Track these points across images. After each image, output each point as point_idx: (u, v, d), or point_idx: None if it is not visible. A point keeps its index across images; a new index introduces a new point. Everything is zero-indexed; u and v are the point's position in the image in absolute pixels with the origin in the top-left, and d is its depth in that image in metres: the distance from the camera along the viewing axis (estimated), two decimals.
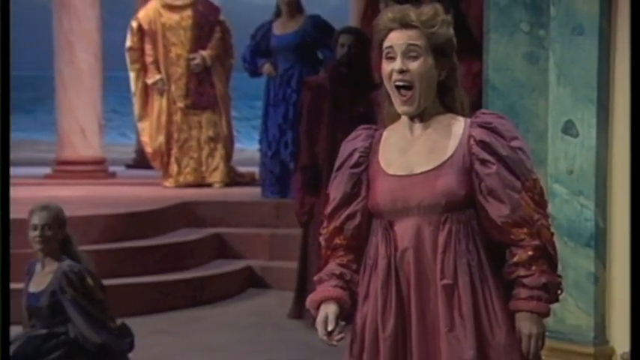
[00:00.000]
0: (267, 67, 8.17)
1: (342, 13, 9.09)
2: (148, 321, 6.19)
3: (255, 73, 8.32)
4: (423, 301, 2.85)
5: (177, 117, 8.85)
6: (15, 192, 8.38)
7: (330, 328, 2.89)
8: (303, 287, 6.49)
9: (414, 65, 2.86)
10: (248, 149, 10.04)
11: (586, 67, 4.36)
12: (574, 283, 4.46)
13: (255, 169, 8.79)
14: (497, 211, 2.84)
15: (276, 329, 6.36)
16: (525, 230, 2.85)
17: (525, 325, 2.85)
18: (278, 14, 8.18)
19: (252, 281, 7.48)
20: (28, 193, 7.89)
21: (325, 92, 6.46)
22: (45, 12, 9.72)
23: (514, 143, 2.88)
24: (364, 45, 6.55)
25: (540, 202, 2.89)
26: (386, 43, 2.89)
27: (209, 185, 8.81)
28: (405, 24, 2.88)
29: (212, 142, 8.88)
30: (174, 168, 8.85)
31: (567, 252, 4.45)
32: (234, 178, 8.97)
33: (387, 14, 2.92)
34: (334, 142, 6.42)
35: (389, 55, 2.88)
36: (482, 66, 4.77)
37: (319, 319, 2.92)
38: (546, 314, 2.89)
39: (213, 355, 5.80)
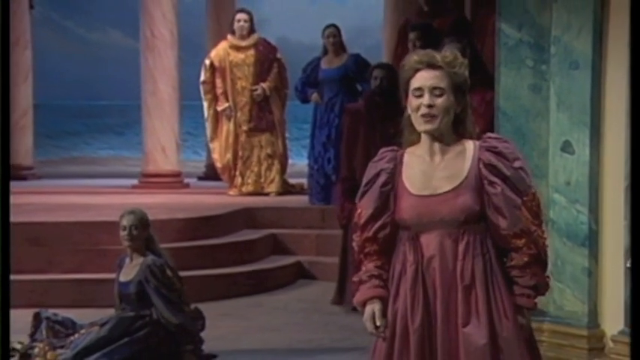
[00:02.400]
0: (315, 96, 8.21)
1: (377, 51, 9.08)
2: (216, 306, 6.19)
3: (305, 100, 8.36)
4: (447, 299, 2.86)
5: (242, 138, 8.87)
6: (107, 199, 8.52)
7: (378, 324, 2.91)
8: (343, 278, 6.49)
9: (439, 101, 2.85)
10: (298, 164, 10.03)
11: (581, 96, 4.35)
12: (571, 277, 4.44)
13: (304, 181, 8.77)
14: (500, 224, 2.85)
15: (321, 313, 6.34)
16: (523, 240, 2.86)
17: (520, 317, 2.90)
18: (325, 52, 8.21)
19: (301, 273, 7.46)
20: (119, 200, 7.97)
21: (362, 117, 6.44)
22: (134, 53, 9.81)
23: (516, 164, 2.88)
24: (394, 77, 6.51)
25: (537, 213, 2.89)
26: (414, 82, 2.89)
27: (266, 194, 8.79)
28: (431, 65, 2.88)
29: (270, 158, 8.89)
30: (238, 180, 8.87)
31: (565, 250, 4.44)
32: (286, 188, 8.95)
33: (414, 57, 2.91)
34: (369, 158, 6.35)
35: (417, 92, 2.88)
36: (494, 95, 4.77)
37: (366, 316, 2.93)
38: (533, 308, 2.92)
39: (269, 334, 5.79)
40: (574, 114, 4.37)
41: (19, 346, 5.05)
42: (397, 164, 2.95)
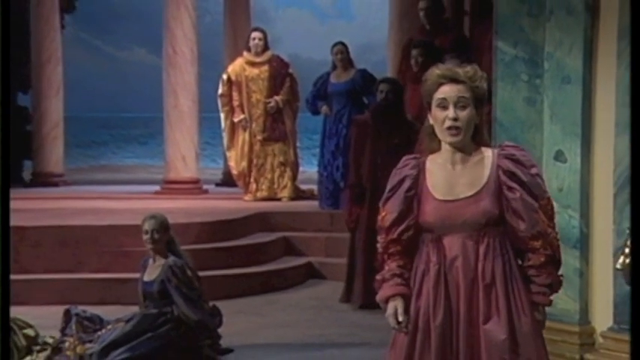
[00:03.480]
0: (324, 108, 8.20)
1: (382, 67, 9.06)
2: (233, 303, 6.18)
3: (315, 112, 8.34)
4: (469, 297, 2.83)
5: (257, 147, 8.86)
6: (131, 204, 8.51)
7: (400, 319, 2.88)
8: (351, 278, 6.48)
9: (463, 114, 2.82)
10: (308, 171, 10.01)
11: (572, 109, 4.33)
12: (564, 277, 4.42)
13: (314, 187, 8.75)
14: (519, 227, 2.84)
15: (330, 310, 6.33)
16: (540, 242, 2.85)
17: (536, 313, 2.89)
18: (334, 67, 8.22)
19: (311, 273, 7.43)
20: (142, 205, 7.97)
21: (368, 128, 6.42)
22: (157, 69, 9.81)
23: (532, 170, 2.87)
24: (398, 91, 6.54)
25: (552, 217, 2.89)
26: (438, 95, 2.85)
27: (279, 199, 8.78)
28: (454, 79, 2.84)
29: (282, 166, 8.88)
30: (253, 186, 8.86)
31: None
32: (298, 194, 8.93)
33: (436, 71, 2.87)
34: (375, 166, 6.42)
35: (442, 105, 2.84)
36: (491, 107, 4.76)
37: (389, 312, 2.90)
38: (548, 304, 2.91)
39: (282, 330, 5.78)
40: (566, 125, 4.35)
41: (50, 341, 5.05)
42: (420, 171, 2.91)
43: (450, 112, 2.83)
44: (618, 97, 4.18)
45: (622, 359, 4.03)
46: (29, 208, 8.24)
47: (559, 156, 4.39)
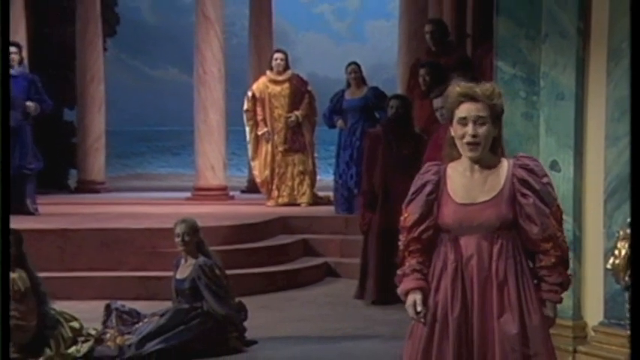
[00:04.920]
0: (339, 122, 8.20)
1: (392, 85, 9.04)
2: (257, 299, 6.17)
3: (331, 126, 8.35)
4: (483, 293, 2.81)
5: (278, 157, 8.85)
6: (165, 209, 8.52)
7: (419, 310, 2.86)
8: (364, 276, 6.45)
9: (482, 130, 2.81)
10: (325, 179, 9.99)
11: (566, 123, 4.30)
12: None
13: (330, 194, 8.75)
14: (532, 230, 2.83)
15: (344, 306, 6.31)
16: (550, 244, 2.83)
17: (544, 309, 2.87)
18: (348, 85, 8.23)
19: (328, 272, 7.41)
20: (174, 210, 7.97)
21: (380, 140, 6.41)
22: (189, 87, 9.84)
23: (544, 180, 2.86)
24: (407, 107, 6.53)
25: (561, 222, 2.88)
26: (459, 113, 2.83)
27: (298, 205, 8.76)
28: (473, 98, 2.82)
29: (301, 174, 8.86)
30: (274, 193, 8.85)
31: None
32: (316, 200, 8.90)
33: (456, 89, 2.86)
34: (386, 175, 6.40)
35: (462, 122, 2.82)
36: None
37: (409, 303, 2.88)
38: (560, 302, 2.90)
39: (300, 323, 5.77)
40: (560, 138, 4.32)
41: (93, 332, 5.06)
42: (441, 177, 2.90)
43: (470, 129, 2.81)
44: (608, 112, 4.15)
45: (612, 351, 4.00)
46: (74, 212, 8.29)
47: (554, 166, 4.36)
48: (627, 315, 3.33)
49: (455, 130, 2.85)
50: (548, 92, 4.35)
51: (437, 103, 5.45)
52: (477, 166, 2.86)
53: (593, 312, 4.24)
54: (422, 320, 2.86)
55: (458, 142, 2.85)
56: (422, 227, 2.89)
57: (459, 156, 2.89)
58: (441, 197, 2.88)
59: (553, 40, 4.32)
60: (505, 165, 2.87)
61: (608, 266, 3.55)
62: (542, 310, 2.84)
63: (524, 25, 4.41)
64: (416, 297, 2.87)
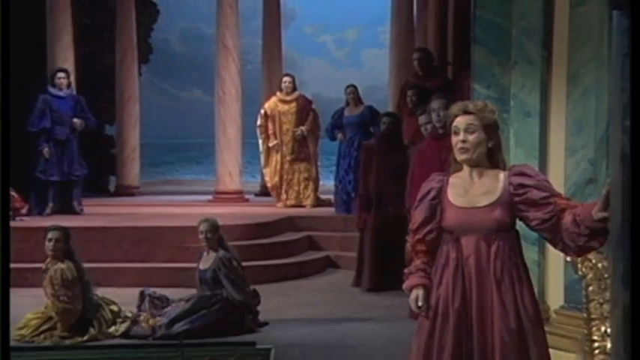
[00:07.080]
0: (340, 136, 8.20)
1: (385, 104, 9.06)
2: (268, 287, 6.16)
3: (332, 138, 8.34)
4: (482, 289, 2.72)
5: (286, 166, 8.84)
6: (190, 210, 8.52)
7: (419, 304, 2.80)
8: (360, 268, 6.45)
9: (471, 137, 2.76)
10: (327, 184, 10.00)
11: (532, 137, 4.30)
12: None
13: (331, 197, 8.74)
14: (539, 195, 2.68)
15: (344, 293, 6.30)
16: (564, 201, 2.68)
17: (602, 213, 2.54)
18: (347, 104, 8.25)
19: (329, 264, 7.40)
20: (198, 211, 7.92)
21: (374, 151, 6.42)
22: (210, 106, 9.87)
23: (539, 177, 2.77)
24: (398, 123, 6.54)
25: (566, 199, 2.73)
26: (454, 125, 2.80)
27: (304, 206, 8.74)
28: (466, 111, 2.80)
29: (306, 180, 8.85)
30: (283, 196, 8.84)
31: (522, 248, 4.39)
32: (319, 202, 8.88)
33: (454, 107, 2.83)
34: (379, 181, 6.39)
35: (455, 131, 2.79)
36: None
37: (411, 298, 2.81)
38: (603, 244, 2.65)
39: (306, 308, 5.77)
40: (527, 150, 4.32)
41: (130, 315, 5.07)
42: (444, 185, 2.84)
43: (461, 136, 2.78)
44: (568, 128, 4.16)
45: (570, 331, 4.01)
46: (113, 212, 8.32)
47: None
48: (584, 300, 3.33)
49: (452, 140, 2.82)
50: (517, 111, 4.36)
51: (422, 119, 5.47)
52: (475, 174, 2.80)
53: (555, 297, 4.24)
54: (422, 313, 2.80)
55: (454, 150, 2.79)
56: (426, 229, 2.82)
57: (462, 168, 2.84)
58: (443, 202, 2.80)
59: (521, 66, 4.33)
60: (503, 174, 2.80)
61: (568, 259, 3.56)
62: (537, 306, 2.75)
63: (496, 53, 4.43)
64: (418, 293, 2.80)
